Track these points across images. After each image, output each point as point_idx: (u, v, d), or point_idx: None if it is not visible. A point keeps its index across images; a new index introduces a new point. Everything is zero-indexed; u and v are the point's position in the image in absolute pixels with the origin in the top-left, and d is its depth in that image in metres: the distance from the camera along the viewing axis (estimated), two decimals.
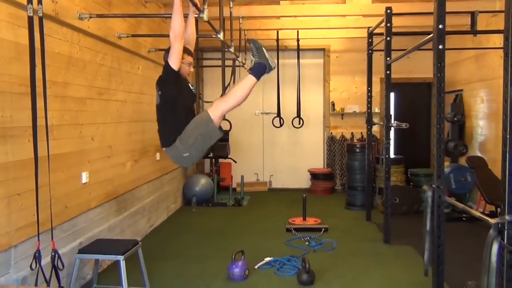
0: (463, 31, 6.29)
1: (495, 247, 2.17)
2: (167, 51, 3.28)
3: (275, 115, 8.23)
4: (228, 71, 6.77)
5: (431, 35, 3.36)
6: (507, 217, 2.14)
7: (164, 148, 3.27)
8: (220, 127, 3.12)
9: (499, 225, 2.17)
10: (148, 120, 5.63)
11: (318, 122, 8.71)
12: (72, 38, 3.67)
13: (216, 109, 3.05)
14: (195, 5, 3.39)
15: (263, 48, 3.06)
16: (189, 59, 3.29)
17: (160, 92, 3.17)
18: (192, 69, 3.36)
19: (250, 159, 8.69)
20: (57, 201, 3.40)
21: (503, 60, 2.22)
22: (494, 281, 2.17)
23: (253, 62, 3.07)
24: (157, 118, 3.23)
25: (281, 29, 7.53)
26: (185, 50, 3.28)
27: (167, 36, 2.78)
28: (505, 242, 2.14)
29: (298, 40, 7.86)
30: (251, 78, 3.02)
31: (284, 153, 8.78)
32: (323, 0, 6.55)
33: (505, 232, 2.14)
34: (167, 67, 3.10)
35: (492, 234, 2.18)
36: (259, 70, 3.04)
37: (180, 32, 3.00)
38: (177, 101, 3.19)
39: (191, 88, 3.40)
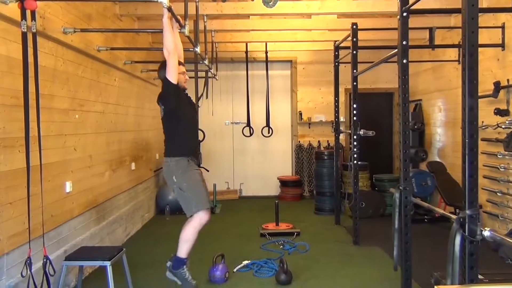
0: (423, 45, 6.74)
1: (458, 239, 2.46)
2: (160, 68, 3.55)
3: (245, 124, 8.45)
4: (201, 82, 6.97)
5: (396, 50, 3.65)
6: (467, 211, 2.44)
7: (165, 157, 3.55)
8: None
9: (461, 219, 2.47)
10: (124, 131, 5.76)
11: (286, 131, 9.02)
12: (57, 52, 3.78)
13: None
14: (178, 21, 3.60)
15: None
16: (182, 68, 3.56)
17: (163, 107, 3.46)
18: (187, 77, 3.61)
19: (220, 168, 8.87)
20: (44, 210, 3.48)
21: (461, 73, 2.52)
22: (457, 269, 2.46)
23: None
24: (163, 130, 3.54)
25: (250, 41, 7.79)
26: None
27: (142, 49, 2.95)
28: (466, 233, 2.43)
29: (266, 52, 8.15)
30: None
31: (254, 162, 9.02)
32: (291, 15, 6.87)
33: (466, 225, 2.44)
34: (166, 82, 3.35)
35: (455, 227, 2.47)
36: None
37: (173, 48, 3.24)
38: (179, 112, 3.47)
39: (190, 97, 3.68)
